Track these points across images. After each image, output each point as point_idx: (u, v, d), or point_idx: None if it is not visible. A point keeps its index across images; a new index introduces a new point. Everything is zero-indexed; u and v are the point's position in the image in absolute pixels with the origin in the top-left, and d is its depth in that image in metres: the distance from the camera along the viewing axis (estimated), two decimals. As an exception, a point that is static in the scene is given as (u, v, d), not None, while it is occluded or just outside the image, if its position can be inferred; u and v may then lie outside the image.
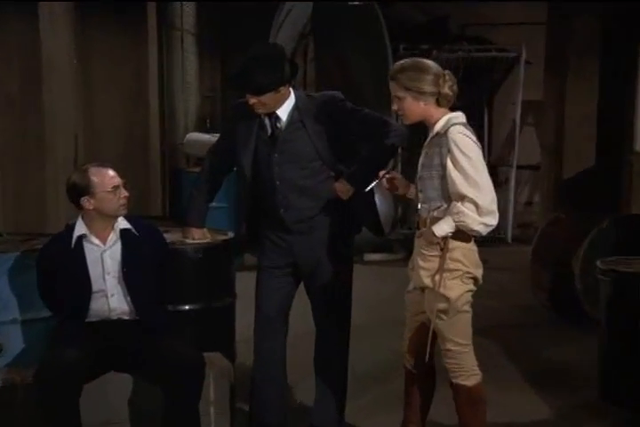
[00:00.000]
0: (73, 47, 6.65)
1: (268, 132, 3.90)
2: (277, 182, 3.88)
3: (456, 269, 3.46)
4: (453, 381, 3.58)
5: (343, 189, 3.85)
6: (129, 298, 3.74)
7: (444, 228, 3.40)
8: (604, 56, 7.82)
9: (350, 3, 9.06)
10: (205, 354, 3.74)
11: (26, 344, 4.06)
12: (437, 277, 3.46)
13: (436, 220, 3.45)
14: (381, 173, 3.70)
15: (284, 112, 3.86)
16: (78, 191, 3.70)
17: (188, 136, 9.21)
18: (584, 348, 5.38)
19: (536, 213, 9.97)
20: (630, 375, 4.42)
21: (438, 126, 3.49)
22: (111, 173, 3.75)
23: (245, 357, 4.45)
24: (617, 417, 4.49)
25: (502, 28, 10.31)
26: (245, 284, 4.50)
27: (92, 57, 7.16)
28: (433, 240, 3.44)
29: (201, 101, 10.16)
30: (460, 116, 3.51)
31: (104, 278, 3.72)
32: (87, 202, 3.70)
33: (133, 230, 3.81)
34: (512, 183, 10.16)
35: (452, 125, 3.44)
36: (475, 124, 8.84)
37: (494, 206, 3.41)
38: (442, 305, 3.47)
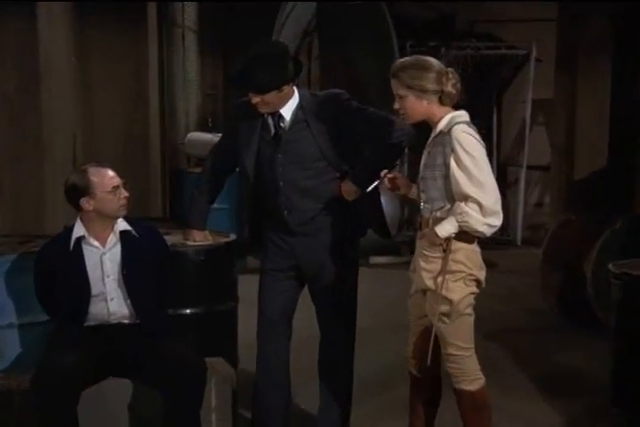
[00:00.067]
0: (72, 46, 6.67)
1: (271, 131, 3.90)
2: (281, 183, 3.88)
3: (459, 271, 3.46)
4: (456, 386, 3.58)
5: (348, 190, 3.86)
6: (129, 301, 3.74)
7: (447, 228, 3.40)
8: (616, 56, 7.82)
9: (352, 2, 9.06)
10: (207, 359, 3.75)
11: (23, 349, 4.06)
12: (440, 279, 3.46)
13: (439, 220, 3.45)
14: (383, 172, 3.71)
15: (287, 111, 3.86)
16: (77, 192, 3.70)
17: (189, 135, 9.22)
18: (594, 353, 5.38)
19: (546, 215, 9.96)
20: (643, 381, 4.42)
21: (441, 125, 3.49)
22: (110, 173, 3.76)
23: (248, 362, 4.45)
24: (629, 424, 4.49)
25: (512, 25, 10.29)
26: (248, 287, 4.50)
27: (91, 55, 7.18)
28: (436, 241, 3.44)
29: (202, 100, 10.16)
30: (463, 115, 3.51)
31: (103, 281, 3.73)
32: (87, 203, 3.70)
33: (133, 232, 3.81)
34: (522, 184, 10.16)
35: (455, 124, 3.43)
36: (481, 122, 8.88)
37: (498, 207, 3.40)
38: (444, 308, 3.47)
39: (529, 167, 10.25)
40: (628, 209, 7.65)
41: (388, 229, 4.13)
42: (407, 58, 3.59)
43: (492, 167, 10.15)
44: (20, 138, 6.22)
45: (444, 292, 3.45)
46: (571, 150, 8.25)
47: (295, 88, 3.87)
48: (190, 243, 4.34)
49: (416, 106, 3.50)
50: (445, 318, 3.48)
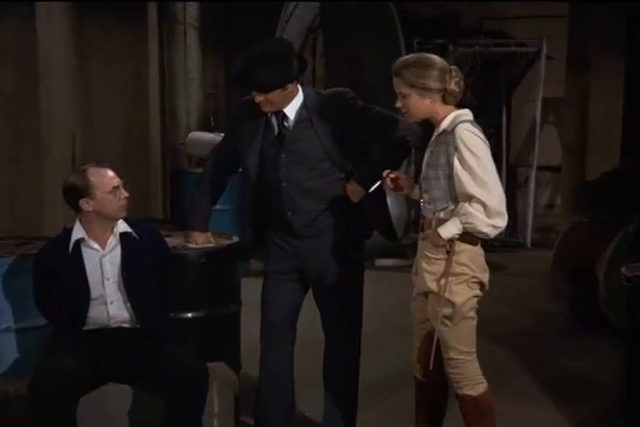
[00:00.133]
0: (71, 45, 6.68)
1: (274, 131, 3.90)
2: (284, 184, 3.88)
3: (462, 274, 3.46)
4: (458, 392, 3.58)
5: (354, 190, 3.86)
6: (129, 305, 3.75)
7: (450, 229, 3.40)
8: (628, 54, 7.82)
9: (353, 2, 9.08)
10: (209, 364, 3.75)
11: (20, 354, 4.06)
12: (443, 282, 3.46)
13: (442, 221, 3.45)
14: (385, 172, 3.71)
15: (291, 110, 3.86)
16: (77, 193, 3.71)
17: (190, 135, 9.22)
18: (604, 357, 5.39)
19: (557, 217, 9.94)
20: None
21: (445, 124, 3.49)
22: (110, 173, 3.77)
23: (251, 367, 4.46)
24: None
25: (521, 22, 10.26)
26: (251, 290, 4.51)
27: (91, 54, 7.18)
28: (439, 242, 3.44)
29: (204, 99, 10.16)
30: (467, 114, 3.51)
31: (103, 284, 3.73)
32: (86, 204, 3.71)
33: (134, 234, 3.82)
34: (532, 185, 10.14)
35: (459, 123, 3.43)
36: (489, 122, 8.88)
37: (503, 208, 3.40)
38: (447, 311, 3.47)
39: (539, 168, 10.22)
40: (642, 211, 7.64)
41: (394, 231, 4.13)
42: (409, 55, 3.59)
43: (502, 168, 10.16)
44: (19, 138, 6.23)
45: (446, 294, 3.45)
46: (582, 150, 8.25)
47: (299, 86, 3.87)
48: (192, 245, 4.35)
49: (418, 104, 3.50)
50: (448, 322, 3.48)
